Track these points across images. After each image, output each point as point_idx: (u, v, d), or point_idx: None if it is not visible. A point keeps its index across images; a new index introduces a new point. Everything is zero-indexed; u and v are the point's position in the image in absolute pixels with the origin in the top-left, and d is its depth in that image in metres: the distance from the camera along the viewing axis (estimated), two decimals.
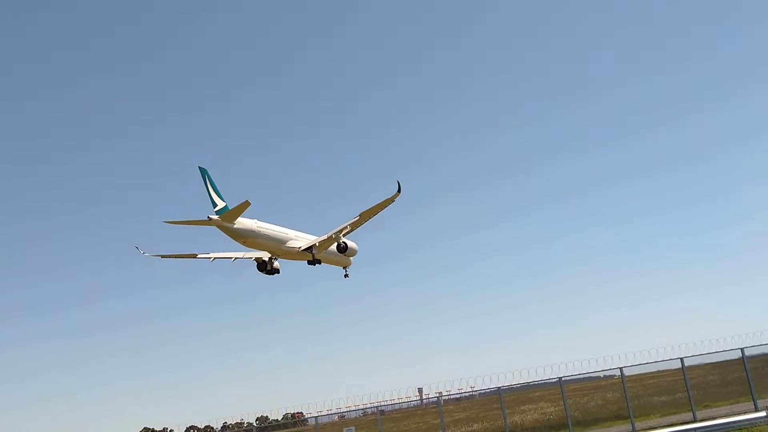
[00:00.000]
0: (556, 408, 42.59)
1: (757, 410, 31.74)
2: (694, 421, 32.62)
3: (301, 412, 54.82)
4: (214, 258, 38.24)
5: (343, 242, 37.51)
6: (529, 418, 44.52)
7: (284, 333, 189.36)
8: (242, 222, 34.51)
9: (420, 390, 49.28)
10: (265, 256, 37.23)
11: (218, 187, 34.21)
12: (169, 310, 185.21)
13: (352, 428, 40.98)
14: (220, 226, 34.33)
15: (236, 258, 37.89)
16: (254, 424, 45.06)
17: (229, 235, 34.90)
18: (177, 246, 41.36)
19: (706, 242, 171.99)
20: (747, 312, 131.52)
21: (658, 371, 41.17)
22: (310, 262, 37.64)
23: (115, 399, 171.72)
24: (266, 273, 37.98)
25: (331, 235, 37.04)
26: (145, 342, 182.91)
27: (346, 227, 37.43)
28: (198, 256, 38.24)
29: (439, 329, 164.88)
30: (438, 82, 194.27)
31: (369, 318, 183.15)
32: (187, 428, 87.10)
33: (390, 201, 35.69)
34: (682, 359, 35.67)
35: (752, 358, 37.05)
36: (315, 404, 58.88)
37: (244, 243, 35.86)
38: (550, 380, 36.91)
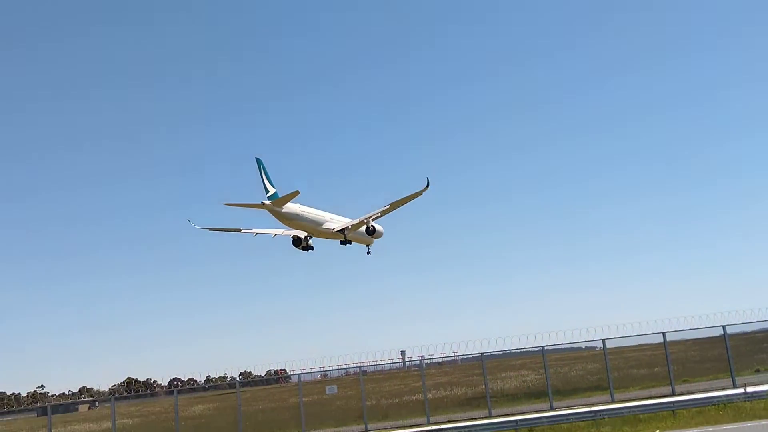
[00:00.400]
0: (537, 376, 43.03)
1: (735, 387, 32.00)
2: (673, 394, 32.94)
3: (284, 369, 54.91)
4: (257, 233, 42.72)
5: (372, 226, 41.70)
6: (509, 385, 45.00)
7: (273, 294, 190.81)
8: (289, 207, 39.19)
9: (403, 353, 49.60)
10: (302, 234, 41.51)
11: (270, 175, 39.54)
12: (177, 265, 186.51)
13: (334, 387, 41.19)
14: (270, 210, 39.27)
15: (276, 234, 42.30)
16: (237, 378, 45.07)
17: (276, 217, 39.65)
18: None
19: (694, 221, 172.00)
20: (730, 291, 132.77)
21: (640, 345, 41.53)
22: (342, 242, 41.98)
23: (102, 348, 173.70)
24: (301, 249, 42.68)
25: (363, 220, 41.58)
26: (143, 293, 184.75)
27: (376, 213, 41.72)
28: (242, 231, 42.80)
29: (424, 295, 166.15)
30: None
31: (357, 282, 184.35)
32: (170, 380, 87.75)
33: (418, 194, 39.31)
34: (664, 334, 35.91)
35: (733, 336, 37.34)
36: (298, 362, 59.14)
37: (288, 224, 40.66)
38: (533, 349, 37.13)
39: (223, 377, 65.16)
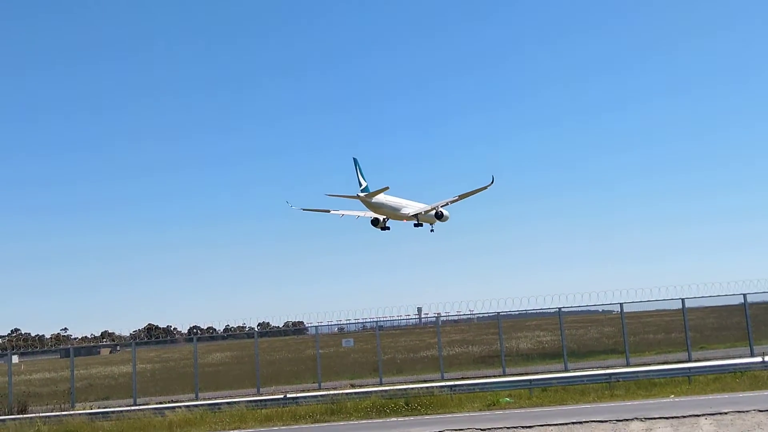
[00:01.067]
0: (552, 337, 43.15)
1: (753, 355, 31.84)
2: (689, 360, 32.85)
3: (302, 322, 55.55)
4: (343, 214, 48.57)
5: (440, 211, 47.14)
6: (524, 345, 45.18)
7: (295, 253, 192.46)
8: (378, 198, 45.30)
9: (419, 309, 49.72)
10: (381, 217, 47.12)
11: (363, 171, 45.93)
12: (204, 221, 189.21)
13: (351, 340, 41.69)
14: (362, 200, 45.50)
15: (359, 216, 48.02)
16: (256, 328, 45.61)
17: (366, 206, 46.05)
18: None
19: (717, 192, 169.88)
20: (751, 259, 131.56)
21: (657, 311, 41.35)
22: (415, 224, 47.93)
23: (125, 295, 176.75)
24: (380, 228, 48.20)
25: (434, 206, 47.16)
26: (169, 245, 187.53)
27: (446, 201, 47.18)
28: (331, 212, 48.88)
29: (443, 255, 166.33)
30: None
31: (377, 241, 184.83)
32: (190, 328, 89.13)
33: (483, 189, 43.93)
34: (683, 300, 35.72)
35: (753, 304, 37.08)
36: (316, 315, 59.46)
37: (374, 211, 46.51)
38: (549, 310, 37.13)
39: (242, 327, 66.01)
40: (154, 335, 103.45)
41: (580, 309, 41.67)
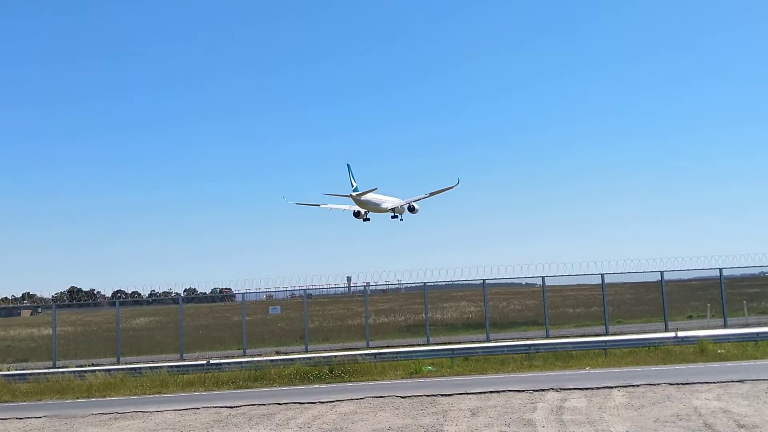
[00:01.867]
0: (477, 308, 44.03)
1: (667, 331, 33.09)
2: (606, 334, 33.93)
3: (229, 288, 54.82)
4: (332, 208, 54.10)
5: (412, 205, 53.28)
6: (449, 316, 45.99)
7: (223, 222, 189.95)
8: (366, 196, 50.96)
9: (348, 279, 49.86)
10: (363, 210, 52.89)
11: (354, 174, 51.59)
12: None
13: (278, 307, 41.55)
14: (354, 198, 50.94)
15: (345, 209, 53.69)
16: (181, 294, 44.97)
17: (356, 203, 51.50)
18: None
19: (638, 165, 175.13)
20: (669, 238, 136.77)
21: (578, 285, 42.59)
22: (392, 216, 53.87)
23: (48, 256, 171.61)
24: (362, 220, 53.79)
25: (408, 201, 53.40)
26: (95, 207, 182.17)
27: (418, 197, 53.37)
28: (320, 206, 54.16)
29: (373, 227, 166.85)
30: None
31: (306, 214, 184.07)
32: (114, 292, 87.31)
33: (449, 188, 50.55)
34: (602, 275, 36.82)
35: (669, 282, 38.49)
36: (244, 282, 58.96)
37: (362, 206, 52.15)
38: (474, 282, 37.79)
39: (168, 292, 64.96)
40: (76, 298, 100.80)
41: (504, 281, 42.66)
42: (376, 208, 52.64)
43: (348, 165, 50.78)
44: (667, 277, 37.58)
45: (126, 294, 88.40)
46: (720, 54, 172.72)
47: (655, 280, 37.94)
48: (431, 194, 52.30)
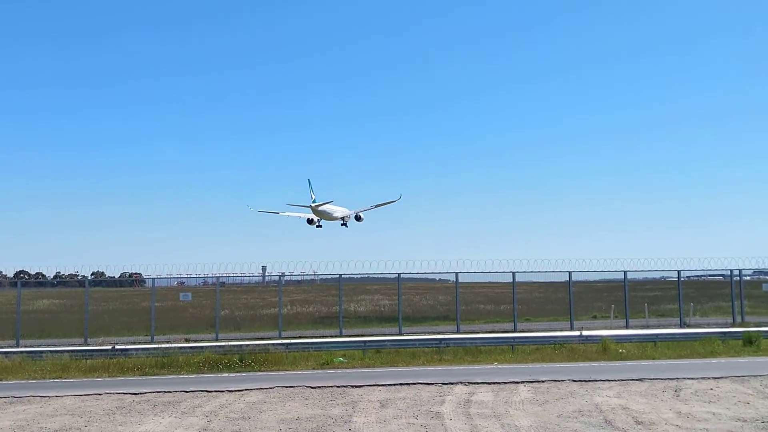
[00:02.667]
0: (390, 302, 44.40)
1: (572, 329, 34.12)
2: (515, 331, 34.74)
3: (139, 273, 53.51)
4: (289, 215, 57.16)
5: (359, 215, 57.52)
6: (363, 308, 46.18)
7: (136, 198, 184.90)
8: (323, 207, 54.44)
9: (263, 268, 49.39)
10: (316, 218, 56.20)
11: (313, 187, 54.86)
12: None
13: (189, 294, 40.59)
14: (312, 209, 54.30)
15: (300, 216, 56.70)
16: (88, 277, 43.46)
17: (313, 212, 54.90)
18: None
19: (551, 170, 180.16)
20: (577, 239, 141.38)
21: (489, 282, 43.42)
22: (341, 224, 57.63)
23: None
24: (315, 226, 57.12)
25: (355, 211, 57.53)
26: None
27: (365, 209, 57.54)
28: (279, 213, 57.52)
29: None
30: None
31: (216, 195, 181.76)
32: (16, 272, 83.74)
33: (392, 202, 55.23)
34: (513, 273, 37.66)
35: (576, 282, 39.71)
36: (155, 267, 57.58)
37: (318, 215, 55.60)
38: (389, 275, 38.06)
39: (74, 275, 62.66)
40: None
41: (418, 276, 43.14)
42: (329, 217, 57.05)
43: (309, 180, 55.83)
44: (574, 278, 38.78)
45: (29, 275, 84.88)
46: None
47: (563, 280, 39.06)
48: (376, 206, 57.10)
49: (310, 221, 57.60)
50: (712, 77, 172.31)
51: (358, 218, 58.49)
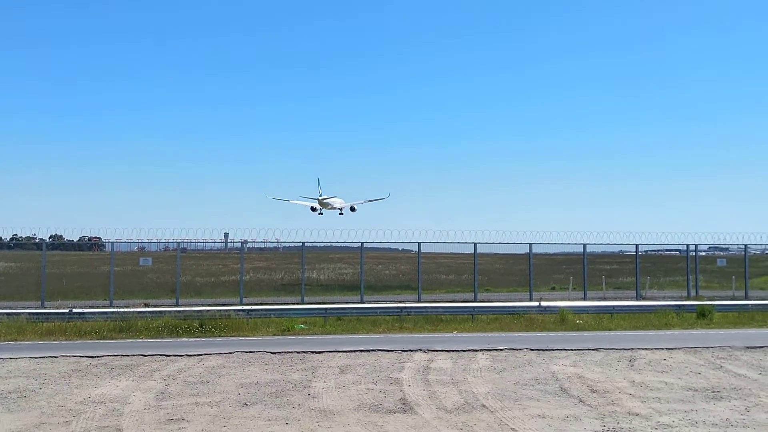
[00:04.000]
0: (353, 270, 44.49)
1: (531, 300, 34.57)
2: (475, 301, 35.09)
3: (99, 237, 52.70)
4: (297, 203, 65.14)
5: (354, 206, 65.87)
6: (324, 276, 46.26)
7: (98, 161, 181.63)
8: (327, 200, 63.49)
9: (226, 235, 49.08)
10: (318, 207, 64.55)
11: (321, 183, 62.58)
12: None
13: (149, 259, 40.13)
14: (319, 201, 63.23)
15: (305, 204, 64.91)
16: (46, 239, 42.67)
17: (319, 204, 63.53)
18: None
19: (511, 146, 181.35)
20: (538, 212, 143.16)
21: (451, 253, 43.78)
22: (339, 213, 66.07)
23: None
24: (317, 213, 65.32)
25: (351, 203, 66.04)
26: None
27: (359, 201, 66.43)
28: (289, 201, 65.74)
29: (248, 180, 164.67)
30: None
31: (180, 160, 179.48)
32: None
33: (381, 198, 63.69)
34: (475, 244, 37.93)
35: (537, 255, 40.14)
36: (114, 231, 56.70)
37: (322, 206, 64.04)
38: (352, 244, 38.08)
39: (31, 237, 61.58)
40: None
41: (381, 246, 43.23)
42: (330, 206, 65.96)
43: (318, 178, 64.98)
44: (535, 250, 39.19)
45: None
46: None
47: (524, 252, 39.48)
48: (368, 201, 66.84)
49: (313, 209, 66.67)
50: (685, 63, 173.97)
51: (352, 209, 67.13)
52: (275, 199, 67.55)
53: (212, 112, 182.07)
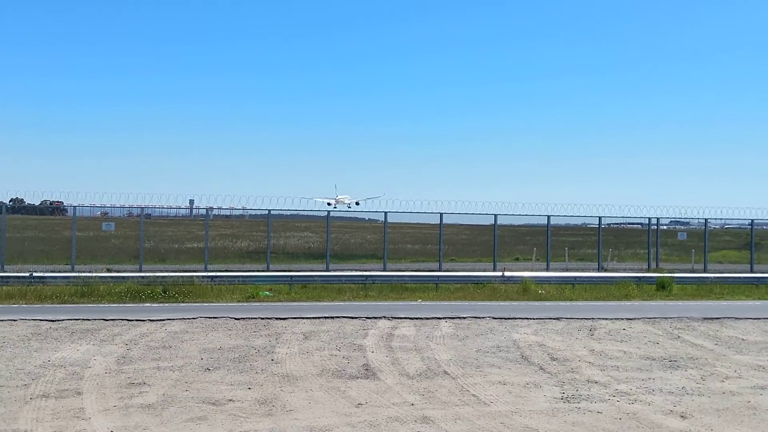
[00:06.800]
0: (319, 239, 44.41)
1: (495, 270, 34.87)
2: (440, 270, 35.36)
3: (61, 201, 51.77)
4: (316, 200, 66.99)
5: (358, 201, 69.50)
6: (291, 243, 46.14)
7: (62, 124, 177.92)
8: (341, 198, 68.51)
9: (191, 202, 48.47)
10: (333, 202, 67.91)
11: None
12: None
13: (112, 224, 39.60)
14: (336, 201, 66.95)
15: (319, 200, 68.27)
16: (6, 203, 41.78)
17: (336, 202, 66.73)
18: None
19: (480, 112, 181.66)
20: (504, 184, 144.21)
21: (418, 223, 43.96)
22: (348, 207, 69.68)
23: None
24: (332, 208, 66.76)
25: (357, 200, 70.26)
26: None
27: (362, 198, 69.96)
28: (312, 199, 66.67)
29: (216, 147, 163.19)
30: None
31: (156, 126, 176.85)
32: None
33: (377, 197, 65.04)
34: (441, 214, 38.08)
35: (501, 226, 40.53)
36: (77, 195, 55.80)
37: (336, 202, 67.38)
38: (319, 213, 38.11)
39: None
40: None
41: (348, 215, 43.43)
42: (342, 202, 71.74)
43: (335, 185, 72.80)
44: (499, 221, 39.55)
45: None
46: None
47: (489, 223, 39.78)
48: (368, 199, 70.61)
49: (329, 203, 71.81)
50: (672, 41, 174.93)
51: (357, 203, 73.23)
52: (303, 198, 73.42)
53: (182, 79, 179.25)
